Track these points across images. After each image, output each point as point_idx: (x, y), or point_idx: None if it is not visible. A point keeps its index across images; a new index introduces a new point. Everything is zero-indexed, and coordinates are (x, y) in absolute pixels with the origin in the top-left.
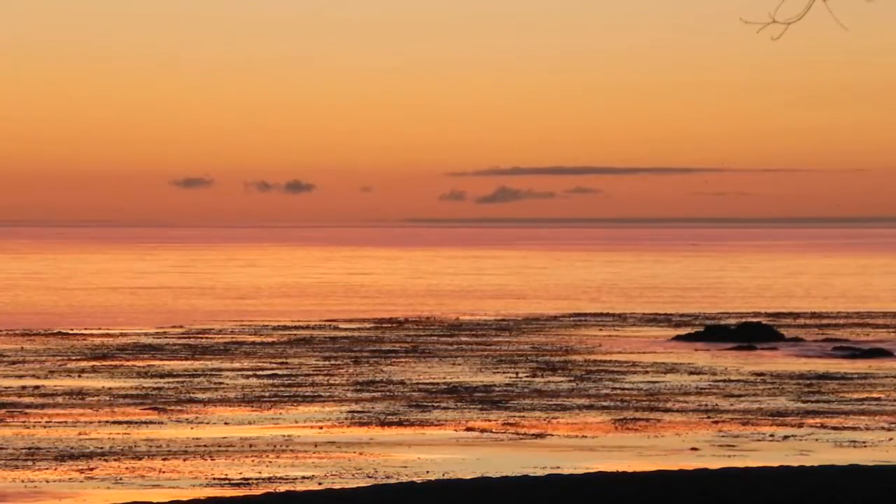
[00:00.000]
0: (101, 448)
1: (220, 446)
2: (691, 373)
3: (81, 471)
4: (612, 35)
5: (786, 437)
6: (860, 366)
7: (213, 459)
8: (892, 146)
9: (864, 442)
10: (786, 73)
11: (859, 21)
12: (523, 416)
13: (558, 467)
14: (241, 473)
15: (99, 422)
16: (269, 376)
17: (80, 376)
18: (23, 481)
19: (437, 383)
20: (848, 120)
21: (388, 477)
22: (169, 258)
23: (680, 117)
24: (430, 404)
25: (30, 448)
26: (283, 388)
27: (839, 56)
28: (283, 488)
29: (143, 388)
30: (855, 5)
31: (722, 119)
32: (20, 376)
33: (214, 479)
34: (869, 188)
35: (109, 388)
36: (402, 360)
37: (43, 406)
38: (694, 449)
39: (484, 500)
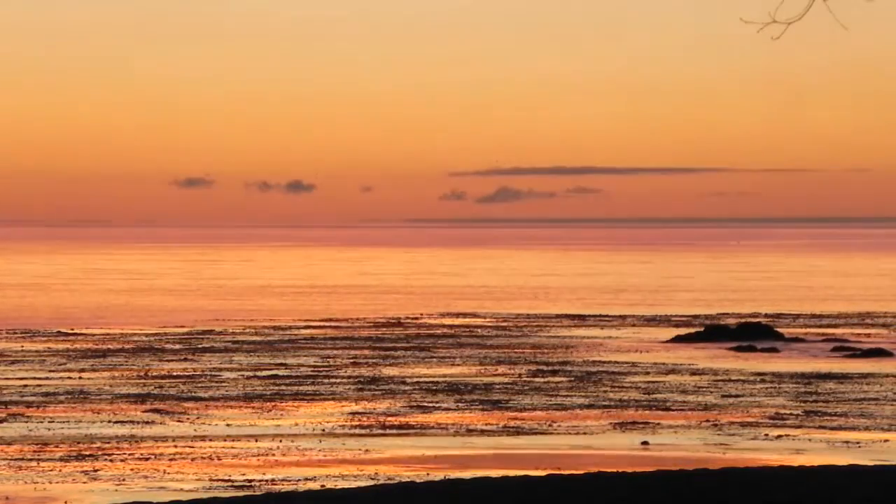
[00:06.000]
0: (104, 448)
1: (221, 447)
2: (691, 373)
3: (85, 471)
4: (613, 35)
5: (785, 438)
6: (860, 366)
7: (215, 460)
8: (892, 146)
9: (863, 442)
10: (786, 73)
11: (859, 21)
12: (523, 416)
13: (558, 467)
14: (243, 474)
15: (101, 422)
16: (269, 376)
17: (80, 377)
18: (27, 482)
19: (438, 383)
20: (848, 120)
21: (389, 477)
22: (169, 258)
23: (680, 117)
24: (430, 404)
25: (33, 448)
26: (283, 388)
27: (839, 56)
28: (284, 489)
29: (145, 388)
30: (855, 5)
31: (722, 119)
32: (22, 376)
33: (217, 479)
34: (870, 188)
35: (111, 389)
36: (403, 359)
37: (45, 406)
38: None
39: (484, 500)
